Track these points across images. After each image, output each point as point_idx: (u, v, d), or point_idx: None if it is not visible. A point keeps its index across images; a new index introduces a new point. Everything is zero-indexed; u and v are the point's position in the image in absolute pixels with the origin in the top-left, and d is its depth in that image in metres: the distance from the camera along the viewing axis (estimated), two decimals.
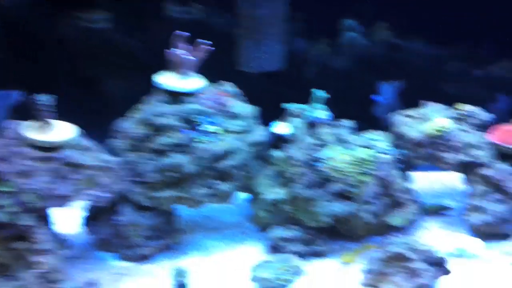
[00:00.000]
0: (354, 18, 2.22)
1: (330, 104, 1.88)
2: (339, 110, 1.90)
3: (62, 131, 1.66)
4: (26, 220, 1.49)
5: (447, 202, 2.02)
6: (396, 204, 1.85)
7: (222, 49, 1.79)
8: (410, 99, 2.02)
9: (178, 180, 1.73)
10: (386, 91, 2.23)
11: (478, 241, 1.82)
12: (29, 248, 1.50)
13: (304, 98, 1.91)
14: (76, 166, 1.63)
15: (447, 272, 1.69)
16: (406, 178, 1.91)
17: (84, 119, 1.71)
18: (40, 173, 1.58)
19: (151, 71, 1.85)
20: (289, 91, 2.09)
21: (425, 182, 2.14)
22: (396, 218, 1.84)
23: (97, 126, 1.74)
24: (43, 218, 1.58)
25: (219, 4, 2.09)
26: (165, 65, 1.79)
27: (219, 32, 2.02)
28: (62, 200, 1.58)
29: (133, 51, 2.13)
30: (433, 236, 1.87)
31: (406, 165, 1.91)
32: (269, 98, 1.95)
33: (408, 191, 1.88)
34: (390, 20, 2.15)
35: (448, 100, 1.92)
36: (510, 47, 2.27)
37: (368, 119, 2.03)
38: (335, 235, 1.83)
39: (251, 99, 1.88)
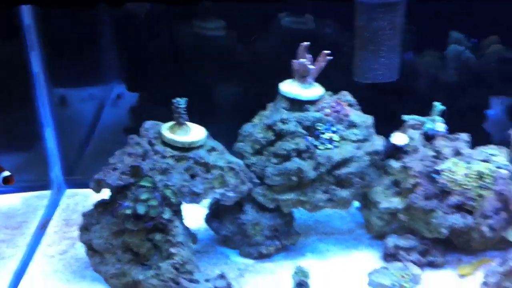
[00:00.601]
0: (464, 31, 2.22)
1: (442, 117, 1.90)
2: (449, 123, 1.92)
3: (194, 132, 1.75)
4: (164, 214, 1.58)
5: None
6: None
7: (336, 60, 1.84)
8: None
9: (299, 184, 1.79)
10: (498, 106, 2.22)
11: None
12: (165, 239, 1.60)
13: (415, 109, 1.95)
14: (207, 166, 1.73)
15: None
16: None
17: (205, 123, 1.80)
18: (176, 171, 1.67)
19: (267, 79, 1.93)
20: (402, 102, 2.12)
21: None
22: None
23: (216, 129, 1.83)
24: (177, 213, 1.67)
25: (332, 16, 2.14)
26: (279, 73, 1.86)
27: (332, 43, 2.06)
28: (195, 197, 1.68)
29: (249, 60, 2.21)
30: None
31: None
32: (384, 109, 1.98)
33: None
34: (502, 33, 2.15)
35: None
36: None
37: (479, 134, 2.03)
38: (451, 247, 1.83)
39: (366, 109, 1.92)
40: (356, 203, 1.97)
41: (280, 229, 1.87)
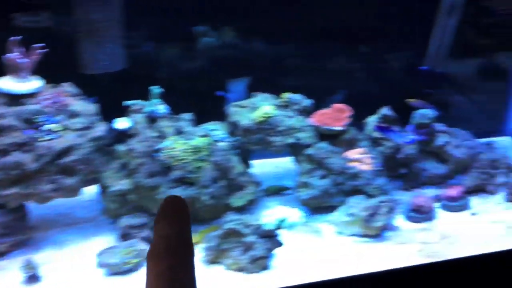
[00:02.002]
0: (203, 24, 2.39)
1: (180, 101, 2.03)
2: (189, 106, 2.06)
3: None
4: None
5: (286, 182, 2.22)
6: (236, 187, 2.02)
7: (68, 53, 1.88)
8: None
9: (22, 177, 1.80)
10: (235, 87, 2.41)
11: (296, 211, 2.03)
12: None
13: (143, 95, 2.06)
14: None
15: (279, 244, 1.88)
16: (245, 164, 2.09)
17: None
18: None
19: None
20: (136, 90, 2.21)
21: (265, 167, 2.33)
22: (236, 200, 2.02)
23: None
24: None
25: (65, 11, 2.17)
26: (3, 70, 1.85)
27: (65, 37, 2.10)
28: None
29: None
30: (270, 213, 2.05)
31: (245, 152, 2.10)
32: (114, 97, 2.06)
33: (246, 174, 2.07)
34: (233, 23, 2.35)
35: (287, 91, 2.14)
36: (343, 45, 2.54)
37: (213, 114, 2.20)
38: None
39: (100, 99, 1.98)
40: (95, 190, 2.02)
41: (13, 226, 1.85)
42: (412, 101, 2.24)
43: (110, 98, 2.02)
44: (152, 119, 2.00)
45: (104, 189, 1.97)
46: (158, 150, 1.91)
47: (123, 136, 1.97)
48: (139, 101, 2.02)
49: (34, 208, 1.95)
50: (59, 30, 2.24)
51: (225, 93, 2.31)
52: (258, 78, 2.40)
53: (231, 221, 1.84)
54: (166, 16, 2.21)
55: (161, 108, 2.00)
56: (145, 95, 2.04)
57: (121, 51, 1.98)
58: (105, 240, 1.93)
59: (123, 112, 2.02)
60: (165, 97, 2.02)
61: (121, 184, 1.93)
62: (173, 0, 2.18)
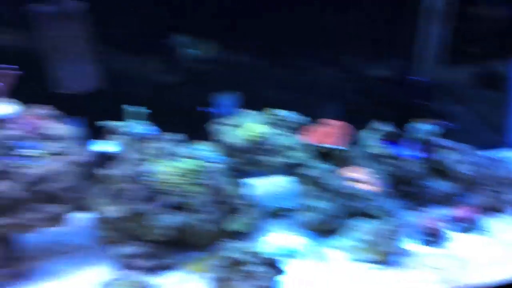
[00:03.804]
0: (185, 34, 2.26)
1: (159, 118, 1.88)
2: (169, 124, 1.91)
3: None
4: None
5: (284, 203, 2.08)
6: (233, 210, 1.88)
7: (38, 73, 1.74)
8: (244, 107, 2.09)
9: (10, 207, 1.65)
10: (220, 103, 2.27)
11: (300, 238, 1.90)
12: None
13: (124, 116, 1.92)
14: None
15: (280, 271, 1.74)
16: (240, 185, 1.95)
17: None
18: None
19: None
20: (113, 109, 2.07)
21: (262, 187, 2.19)
22: (235, 224, 1.88)
23: None
24: None
25: (31, 29, 2.02)
26: None
27: (33, 56, 1.94)
28: None
29: None
30: (271, 237, 1.91)
31: (238, 172, 1.96)
32: (87, 118, 1.91)
33: (241, 196, 1.93)
34: (216, 36, 2.23)
35: (271, 106, 2.00)
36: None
37: (199, 132, 2.06)
38: (181, 246, 1.82)
39: (73, 120, 1.83)
40: (85, 217, 1.87)
41: (4, 257, 1.72)
42: (428, 121, 2.12)
43: (89, 118, 1.87)
44: (135, 141, 1.85)
45: (94, 215, 1.81)
46: (145, 174, 1.76)
47: (106, 159, 1.81)
48: (119, 122, 1.87)
49: (23, 237, 1.80)
50: (26, 50, 2.09)
51: (208, 109, 2.18)
52: (243, 93, 2.28)
53: (229, 248, 1.70)
54: (143, 27, 2.08)
55: (144, 129, 1.85)
56: (124, 115, 1.90)
57: (91, 69, 1.83)
58: (101, 270, 1.79)
59: (103, 133, 1.87)
60: (147, 115, 1.87)
61: (112, 211, 1.77)
62: (147, 11, 2.04)
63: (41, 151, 1.71)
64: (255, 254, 1.71)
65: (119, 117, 1.90)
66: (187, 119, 2.16)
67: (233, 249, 1.72)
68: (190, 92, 2.24)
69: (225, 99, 2.22)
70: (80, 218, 1.86)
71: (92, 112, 1.98)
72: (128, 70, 2.13)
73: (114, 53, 1.97)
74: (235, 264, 1.69)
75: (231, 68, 2.28)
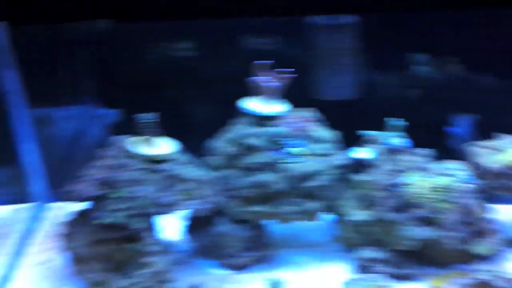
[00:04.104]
0: (424, 52, 2.29)
1: (405, 133, 1.94)
2: (413, 139, 1.96)
3: (164, 145, 1.79)
4: (138, 224, 1.62)
5: None
6: (479, 233, 1.85)
7: (298, 78, 1.90)
8: (482, 132, 2.06)
9: (268, 196, 1.82)
10: (461, 123, 2.25)
11: None
12: (140, 249, 1.63)
13: (377, 126, 1.97)
14: (177, 178, 1.76)
15: None
16: (487, 209, 1.92)
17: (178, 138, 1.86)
18: (147, 182, 1.71)
19: (233, 98, 1.99)
20: (363, 119, 2.15)
21: (507, 214, 2.12)
22: (480, 247, 1.84)
23: (188, 144, 1.88)
24: (151, 224, 1.70)
25: (293, 36, 2.20)
26: (246, 92, 1.91)
27: (294, 62, 2.11)
28: (166, 208, 1.70)
29: (216, 79, 2.27)
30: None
31: (486, 196, 1.93)
32: (344, 125, 2.03)
33: (490, 221, 1.89)
34: (458, 54, 2.21)
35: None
36: None
37: (442, 150, 2.07)
38: (422, 260, 1.85)
39: (330, 126, 1.95)
40: (331, 216, 2.00)
41: (255, 241, 1.90)
42: None
43: (345, 126, 1.98)
44: (390, 151, 1.92)
45: (340, 217, 1.93)
46: (399, 185, 1.82)
47: (360, 166, 1.91)
48: (376, 132, 1.96)
49: (271, 226, 1.97)
50: (287, 55, 2.29)
51: (454, 129, 2.17)
52: (484, 116, 2.23)
53: (481, 270, 1.69)
54: (389, 45, 2.15)
55: (401, 141, 1.91)
56: (376, 126, 1.98)
57: (354, 79, 1.94)
58: (341, 268, 1.89)
59: (357, 141, 1.98)
60: (403, 128, 1.93)
61: (361, 215, 1.86)
62: (398, 31, 2.11)
63: (305, 150, 1.87)
64: (506, 279, 1.68)
65: (372, 126, 2.01)
66: (431, 136, 2.19)
67: (481, 270, 1.70)
68: (430, 109, 2.27)
69: (464, 120, 2.22)
70: (326, 217, 1.97)
71: (349, 119, 2.11)
72: (377, 84, 2.23)
73: (369, 66, 2.08)
74: (483, 285, 1.67)
75: (470, 89, 2.26)
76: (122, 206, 1.62)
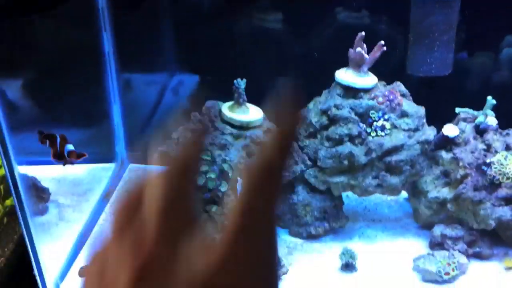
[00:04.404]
0: None
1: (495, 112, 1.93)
2: (504, 120, 1.94)
3: (252, 112, 1.85)
4: (221, 187, 1.68)
5: None
6: None
7: (389, 53, 1.90)
8: None
9: (350, 168, 1.86)
10: None
11: None
12: (220, 212, 1.69)
13: (465, 105, 1.98)
14: (261, 145, 1.81)
15: None
16: None
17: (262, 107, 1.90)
18: (234, 147, 1.77)
19: (323, 70, 2.00)
20: (453, 97, 2.15)
21: None
22: None
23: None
24: (234, 188, 1.75)
25: (386, 11, 2.20)
26: (334, 65, 1.93)
27: (386, 37, 2.12)
28: None
29: (305, 52, 2.30)
30: None
31: None
32: (435, 102, 2.03)
33: None
34: None
35: None
36: None
37: None
38: (498, 240, 1.86)
39: (418, 101, 1.97)
40: (404, 194, 2.03)
41: (329, 211, 1.94)
42: None
43: (433, 102, 1.98)
44: (480, 130, 1.92)
45: (417, 193, 1.95)
46: (487, 164, 1.82)
47: (447, 143, 1.91)
48: (466, 109, 1.95)
49: (349, 198, 2.03)
50: (380, 30, 2.29)
51: None
52: None
53: None
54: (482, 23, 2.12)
55: (493, 121, 1.90)
56: (466, 104, 1.98)
57: (451, 56, 1.93)
58: (414, 244, 1.91)
59: (444, 118, 1.98)
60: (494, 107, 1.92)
61: (442, 192, 1.88)
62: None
63: (392, 123, 1.89)
64: None
65: (461, 104, 2.00)
66: None
67: None
68: None
69: None
70: (406, 192, 2.00)
71: (439, 96, 2.11)
72: (468, 63, 2.21)
73: (464, 43, 2.07)
74: None
75: None
76: (206, 168, 1.69)
